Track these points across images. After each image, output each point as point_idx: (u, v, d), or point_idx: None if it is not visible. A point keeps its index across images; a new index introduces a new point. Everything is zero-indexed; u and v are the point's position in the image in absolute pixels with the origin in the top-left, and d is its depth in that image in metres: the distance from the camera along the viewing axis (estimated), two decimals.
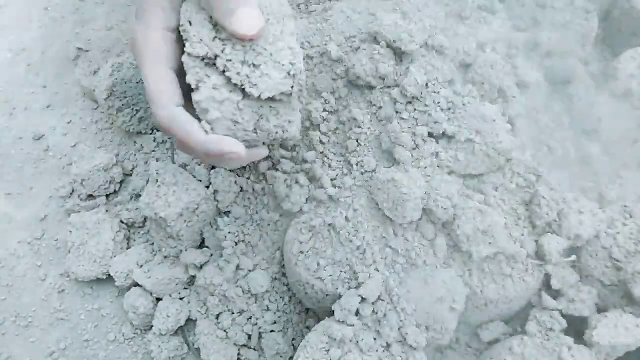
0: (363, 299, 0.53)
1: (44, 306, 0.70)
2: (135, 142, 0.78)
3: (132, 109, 0.76)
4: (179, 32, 0.45)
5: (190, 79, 0.43)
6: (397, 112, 0.58)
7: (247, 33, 0.42)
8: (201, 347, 0.63)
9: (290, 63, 0.44)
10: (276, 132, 0.47)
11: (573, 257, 0.59)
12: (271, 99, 0.45)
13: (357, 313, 0.53)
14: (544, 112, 0.66)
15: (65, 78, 0.85)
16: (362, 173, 0.59)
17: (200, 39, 0.43)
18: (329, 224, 0.57)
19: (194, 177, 0.64)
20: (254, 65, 0.43)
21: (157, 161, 0.72)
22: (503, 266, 0.57)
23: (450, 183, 0.56)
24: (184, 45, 0.44)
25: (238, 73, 0.43)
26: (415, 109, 0.58)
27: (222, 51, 0.43)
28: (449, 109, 0.58)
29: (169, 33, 0.45)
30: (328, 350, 0.51)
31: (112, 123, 0.80)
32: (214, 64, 0.44)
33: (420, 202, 0.55)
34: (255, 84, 0.43)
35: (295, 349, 0.61)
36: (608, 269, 0.57)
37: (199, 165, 0.65)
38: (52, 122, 0.82)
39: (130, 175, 0.76)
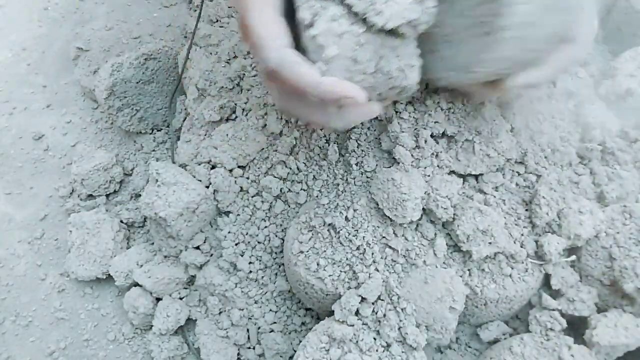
0: (363, 299, 0.53)
1: (44, 306, 0.70)
2: (135, 142, 0.78)
3: (132, 109, 0.76)
4: None
5: (304, 13, 0.40)
6: (396, 112, 0.58)
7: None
8: (201, 347, 0.63)
9: None
10: (396, 78, 0.42)
11: (573, 257, 0.59)
12: (395, 33, 0.40)
13: (357, 313, 0.53)
14: (543, 112, 0.66)
15: (65, 78, 0.85)
16: (362, 173, 0.59)
17: None
18: (329, 224, 0.57)
19: (194, 177, 0.64)
20: None
21: (157, 161, 0.72)
22: (503, 266, 0.57)
23: (450, 183, 0.56)
24: None
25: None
26: (415, 109, 0.58)
27: None
28: (449, 109, 0.58)
29: None
30: (328, 350, 0.51)
31: (112, 123, 0.80)
32: None
33: (420, 202, 0.55)
34: (380, 11, 0.39)
35: (295, 349, 0.61)
36: (608, 269, 0.57)
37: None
38: (52, 122, 0.82)
39: (130, 175, 0.76)
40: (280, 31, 0.41)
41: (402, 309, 0.53)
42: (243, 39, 0.45)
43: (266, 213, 0.63)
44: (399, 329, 0.52)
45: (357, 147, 0.60)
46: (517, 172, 0.60)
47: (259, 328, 0.62)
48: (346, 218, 0.57)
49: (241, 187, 0.64)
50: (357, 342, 0.51)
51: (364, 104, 0.42)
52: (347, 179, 0.60)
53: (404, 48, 0.42)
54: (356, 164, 0.60)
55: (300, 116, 0.45)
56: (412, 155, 0.57)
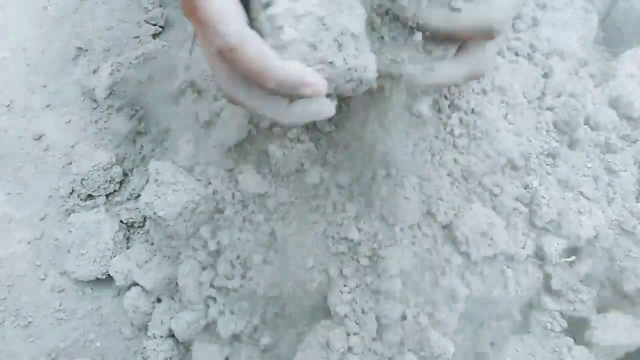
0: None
1: (44, 306, 0.70)
2: (135, 142, 0.78)
3: (132, 108, 0.76)
4: None
5: None
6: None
7: None
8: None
9: None
10: (356, 70, 0.39)
11: (573, 257, 0.59)
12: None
13: (356, 313, 0.53)
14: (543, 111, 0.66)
15: (65, 78, 0.85)
16: (362, 176, 0.59)
17: None
18: (327, 223, 0.57)
19: (194, 176, 0.64)
20: None
21: (156, 161, 0.71)
22: (503, 266, 0.57)
23: (450, 184, 0.56)
24: None
25: None
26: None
27: None
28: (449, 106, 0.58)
29: None
30: (327, 351, 0.51)
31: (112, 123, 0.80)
32: None
33: (419, 205, 0.55)
34: (339, 2, 0.37)
35: (295, 349, 0.61)
36: (608, 269, 0.57)
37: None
38: (51, 122, 0.82)
39: (130, 175, 0.76)
40: (238, 8, 0.37)
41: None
42: (192, 19, 0.39)
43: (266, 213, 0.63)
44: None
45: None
46: (517, 172, 0.60)
47: (258, 328, 0.62)
48: (344, 218, 0.57)
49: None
50: (356, 342, 0.51)
51: (319, 100, 0.39)
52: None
53: (361, 41, 0.39)
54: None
55: (245, 105, 0.40)
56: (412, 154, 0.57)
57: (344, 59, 0.38)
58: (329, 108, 0.40)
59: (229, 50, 0.36)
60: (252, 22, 0.38)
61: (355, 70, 0.39)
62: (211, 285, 0.62)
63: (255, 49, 0.35)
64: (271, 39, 0.36)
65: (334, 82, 0.39)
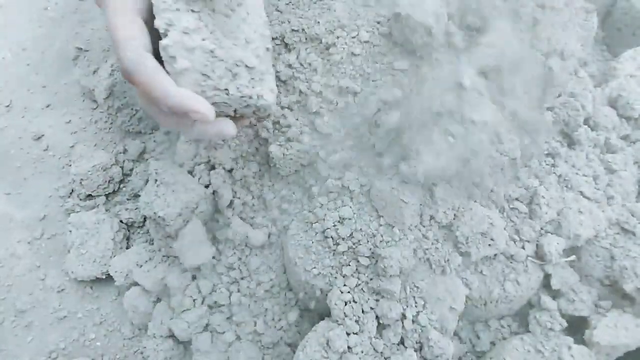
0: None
1: (44, 306, 0.70)
2: (135, 142, 0.78)
3: (132, 109, 0.76)
4: None
5: (159, 22, 0.39)
6: None
7: None
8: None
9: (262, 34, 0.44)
10: (250, 97, 0.43)
11: (573, 257, 0.59)
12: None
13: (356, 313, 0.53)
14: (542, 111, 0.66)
15: (65, 78, 0.85)
16: (361, 177, 0.59)
17: None
18: (328, 226, 0.57)
19: (194, 176, 0.64)
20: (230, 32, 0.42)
21: (156, 161, 0.72)
22: (503, 266, 0.57)
23: (451, 185, 0.56)
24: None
25: (213, 25, 0.40)
26: None
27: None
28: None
29: None
30: (327, 351, 0.51)
31: (112, 123, 0.80)
32: (192, 11, 0.40)
33: (418, 207, 0.55)
34: (233, 32, 0.41)
35: (295, 349, 0.61)
36: (608, 269, 0.57)
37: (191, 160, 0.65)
38: (51, 122, 0.82)
39: (130, 175, 0.76)
40: (137, 33, 0.40)
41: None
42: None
43: (266, 213, 0.63)
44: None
45: None
46: (517, 172, 0.60)
47: (258, 327, 0.62)
48: (344, 220, 0.57)
49: (240, 189, 0.64)
50: (356, 342, 0.51)
51: (216, 122, 0.42)
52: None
53: (262, 69, 0.43)
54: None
55: (157, 121, 0.45)
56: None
57: (237, 88, 0.42)
58: (230, 129, 0.44)
59: (127, 74, 0.40)
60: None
61: (250, 98, 0.42)
62: (212, 286, 0.62)
63: (147, 76, 0.39)
64: (168, 66, 0.40)
65: (230, 106, 0.43)
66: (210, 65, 0.40)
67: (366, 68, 0.59)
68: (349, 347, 0.51)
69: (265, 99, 0.44)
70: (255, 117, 0.48)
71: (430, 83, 0.52)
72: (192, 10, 0.41)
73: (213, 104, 0.41)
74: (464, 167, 0.52)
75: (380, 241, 0.55)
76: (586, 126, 0.65)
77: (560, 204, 0.59)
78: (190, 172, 0.65)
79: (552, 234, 0.58)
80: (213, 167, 0.64)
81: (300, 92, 0.60)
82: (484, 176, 0.54)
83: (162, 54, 0.40)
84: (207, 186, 0.63)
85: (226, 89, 0.42)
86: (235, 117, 0.46)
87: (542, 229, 0.58)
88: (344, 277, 0.55)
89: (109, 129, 0.80)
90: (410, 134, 0.54)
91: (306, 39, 0.61)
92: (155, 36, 0.41)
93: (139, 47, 0.40)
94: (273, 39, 0.62)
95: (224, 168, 0.63)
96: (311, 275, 0.56)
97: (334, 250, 0.56)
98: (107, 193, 0.74)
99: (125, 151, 0.77)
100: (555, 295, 0.59)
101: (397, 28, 0.57)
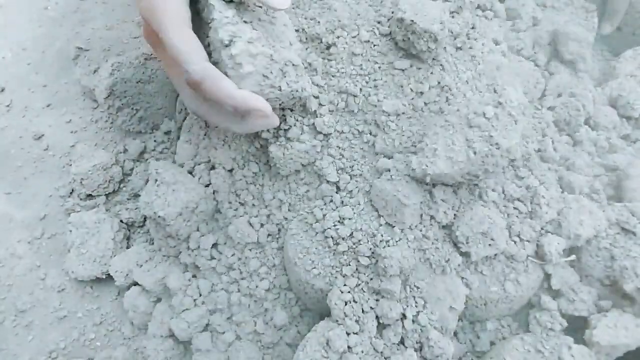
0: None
1: (44, 306, 0.70)
2: (135, 142, 0.78)
3: (132, 108, 0.76)
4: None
5: (223, 35, 0.47)
6: None
7: (280, 6, 0.49)
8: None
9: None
10: (297, 90, 0.51)
11: (573, 257, 0.59)
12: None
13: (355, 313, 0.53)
14: (542, 112, 0.66)
15: (65, 78, 0.85)
16: (361, 177, 0.59)
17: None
18: (328, 225, 0.57)
19: (194, 176, 0.64)
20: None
21: (157, 161, 0.72)
22: (503, 266, 0.57)
23: (450, 185, 0.56)
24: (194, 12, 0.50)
25: (265, 32, 0.50)
26: None
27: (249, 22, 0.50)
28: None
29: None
30: (327, 351, 0.51)
31: (112, 123, 0.80)
32: (245, 22, 0.49)
33: (418, 207, 0.55)
34: (279, 36, 0.51)
35: (295, 349, 0.61)
36: (608, 269, 0.57)
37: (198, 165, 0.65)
38: (51, 122, 0.82)
39: (130, 175, 0.76)
40: (198, 47, 0.48)
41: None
42: (158, 53, 0.54)
43: (267, 213, 0.63)
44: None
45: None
46: (517, 172, 0.60)
47: (258, 327, 0.62)
48: (344, 220, 0.57)
49: (240, 187, 0.64)
50: (356, 342, 0.51)
51: (269, 116, 0.50)
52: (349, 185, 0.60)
53: (298, 69, 0.51)
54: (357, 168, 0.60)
55: (207, 119, 0.53)
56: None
57: (287, 84, 0.50)
58: (274, 121, 0.52)
59: (194, 83, 0.47)
60: (212, 53, 0.50)
61: (297, 91, 0.51)
62: (212, 286, 0.62)
63: (215, 83, 0.46)
64: (233, 71, 0.47)
65: (280, 100, 0.52)
66: (269, 67, 0.49)
67: (366, 68, 0.59)
68: (349, 347, 0.51)
69: (307, 91, 0.53)
70: (293, 106, 0.57)
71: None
72: (245, 22, 0.49)
73: (267, 99, 0.49)
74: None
75: (380, 241, 0.55)
76: (587, 126, 0.65)
77: (561, 204, 0.59)
78: (190, 172, 0.65)
79: (552, 234, 0.58)
80: (213, 167, 0.64)
81: None
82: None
83: (226, 61, 0.47)
84: (207, 186, 0.63)
85: (279, 86, 0.50)
86: (275, 108, 0.53)
87: (542, 229, 0.58)
88: (344, 277, 0.55)
89: (109, 128, 0.81)
90: (434, 130, 0.54)
91: (306, 38, 0.61)
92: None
93: (202, 59, 0.47)
94: None
95: (224, 168, 0.63)
96: (311, 275, 0.56)
97: (334, 250, 0.56)
98: (107, 193, 0.74)
99: (125, 151, 0.77)
100: (555, 295, 0.59)
101: (399, 33, 0.57)
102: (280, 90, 0.50)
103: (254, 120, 0.51)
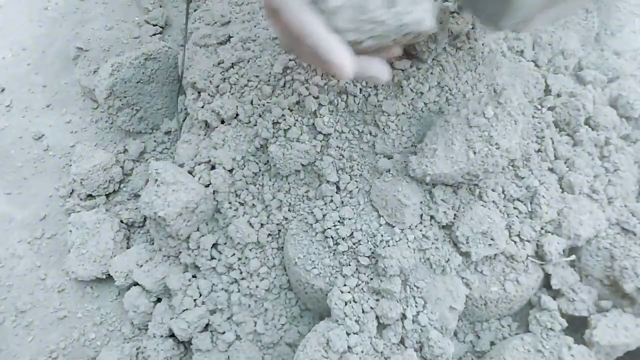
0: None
1: (44, 306, 0.70)
2: (135, 142, 0.78)
3: (132, 108, 0.76)
4: None
5: None
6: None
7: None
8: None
9: None
10: (409, 25, 0.39)
11: (573, 257, 0.59)
12: None
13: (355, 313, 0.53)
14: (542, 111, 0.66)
15: (65, 78, 0.85)
16: (361, 177, 0.59)
17: None
18: (328, 226, 0.57)
19: (194, 176, 0.64)
20: None
21: (157, 161, 0.72)
22: (503, 266, 0.57)
23: (450, 185, 0.56)
24: None
25: None
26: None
27: None
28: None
29: None
30: (327, 351, 0.51)
31: (112, 123, 0.80)
32: None
33: (418, 207, 0.55)
34: None
35: (295, 349, 0.61)
36: (608, 269, 0.57)
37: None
38: (52, 122, 0.82)
39: (130, 175, 0.76)
40: None
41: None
42: None
43: (267, 212, 0.63)
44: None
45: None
46: (517, 172, 0.60)
47: (258, 327, 0.62)
48: (344, 220, 0.57)
49: (241, 187, 0.64)
50: (356, 342, 0.51)
51: (370, 68, 0.41)
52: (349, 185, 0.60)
53: None
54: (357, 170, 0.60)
55: (301, 59, 0.46)
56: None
57: (395, 16, 0.39)
58: (385, 76, 0.43)
59: (272, 11, 0.39)
60: None
61: (409, 25, 0.39)
62: (212, 286, 0.62)
63: (292, 15, 0.38)
64: (322, 4, 0.38)
65: (388, 37, 0.40)
66: None
67: None
68: (349, 347, 0.51)
69: (426, 24, 0.40)
70: (412, 42, 0.45)
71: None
72: None
73: (370, 38, 0.39)
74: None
75: (381, 241, 0.55)
76: (587, 126, 0.65)
77: (560, 204, 0.59)
78: (190, 172, 0.65)
79: (552, 233, 0.58)
80: (213, 167, 0.64)
81: (300, 92, 0.60)
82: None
83: None
84: (207, 186, 0.63)
85: (382, 21, 0.39)
86: (387, 46, 0.43)
87: (542, 229, 0.58)
88: (344, 277, 0.55)
89: (109, 128, 0.81)
90: (433, 130, 0.54)
91: None
92: None
93: None
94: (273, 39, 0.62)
95: (224, 168, 0.63)
96: (311, 275, 0.56)
97: (334, 250, 0.56)
98: (107, 193, 0.74)
99: (125, 151, 0.77)
100: (555, 295, 0.59)
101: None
102: (384, 24, 0.39)
103: (360, 64, 0.41)
